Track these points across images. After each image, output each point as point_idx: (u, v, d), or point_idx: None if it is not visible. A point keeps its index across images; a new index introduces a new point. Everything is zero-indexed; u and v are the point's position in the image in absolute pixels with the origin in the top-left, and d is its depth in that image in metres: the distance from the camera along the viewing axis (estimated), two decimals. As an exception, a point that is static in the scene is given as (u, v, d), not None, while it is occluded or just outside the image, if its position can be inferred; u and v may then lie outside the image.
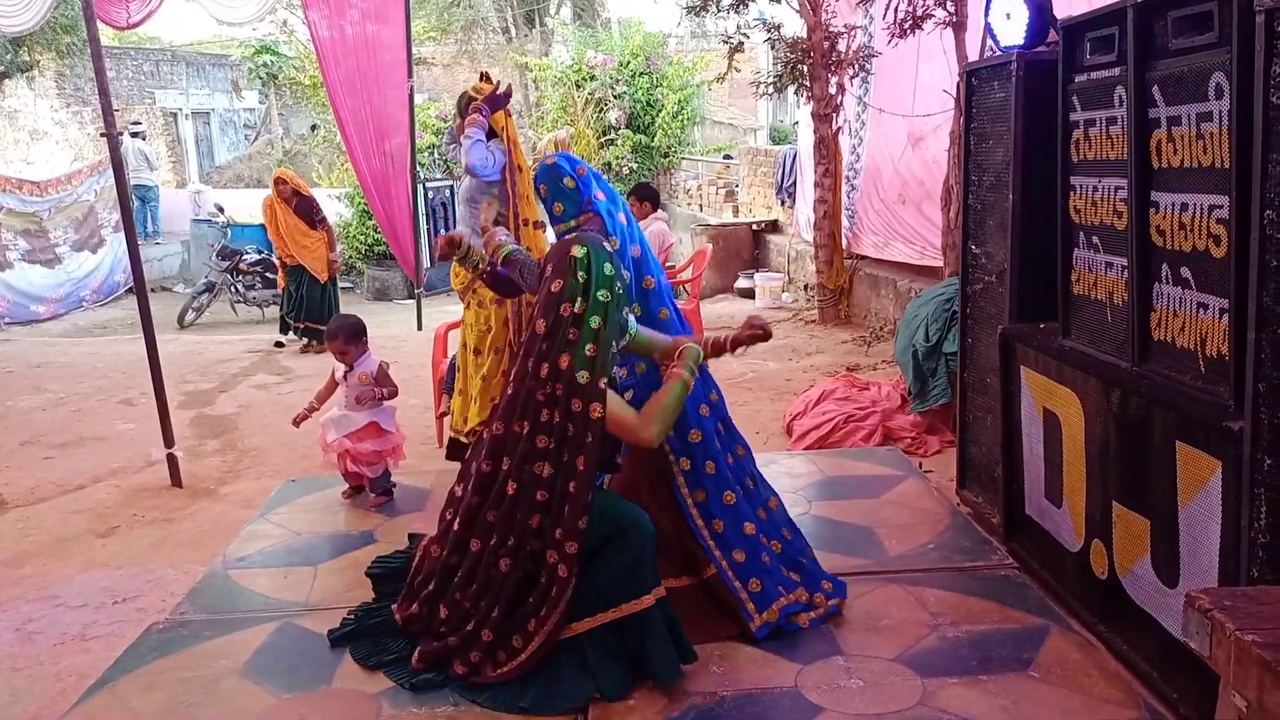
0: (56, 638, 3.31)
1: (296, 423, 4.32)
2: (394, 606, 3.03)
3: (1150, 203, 2.63)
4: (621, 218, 3.15)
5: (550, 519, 2.65)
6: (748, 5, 7.53)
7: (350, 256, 13.15)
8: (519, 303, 4.11)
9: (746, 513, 3.03)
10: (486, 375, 4.12)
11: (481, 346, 4.16)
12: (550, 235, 3.59)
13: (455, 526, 2.84)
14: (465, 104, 4.30)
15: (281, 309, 8.49)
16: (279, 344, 8.55)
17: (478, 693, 2.68)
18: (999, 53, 3.64)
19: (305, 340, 8.28)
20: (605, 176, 13.88)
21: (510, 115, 4.26)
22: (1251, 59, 2.09)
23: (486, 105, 4.09)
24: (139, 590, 3.65)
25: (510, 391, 2.75)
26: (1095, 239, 2.96)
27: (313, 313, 8.21)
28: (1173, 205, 2.54)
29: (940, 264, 6.39)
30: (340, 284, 13.09)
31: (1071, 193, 3.09)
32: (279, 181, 8.13)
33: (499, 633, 2.70)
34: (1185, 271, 2.51)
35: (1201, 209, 2.42)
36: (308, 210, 8.05)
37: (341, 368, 4.28)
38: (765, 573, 2.96)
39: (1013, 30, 3.49)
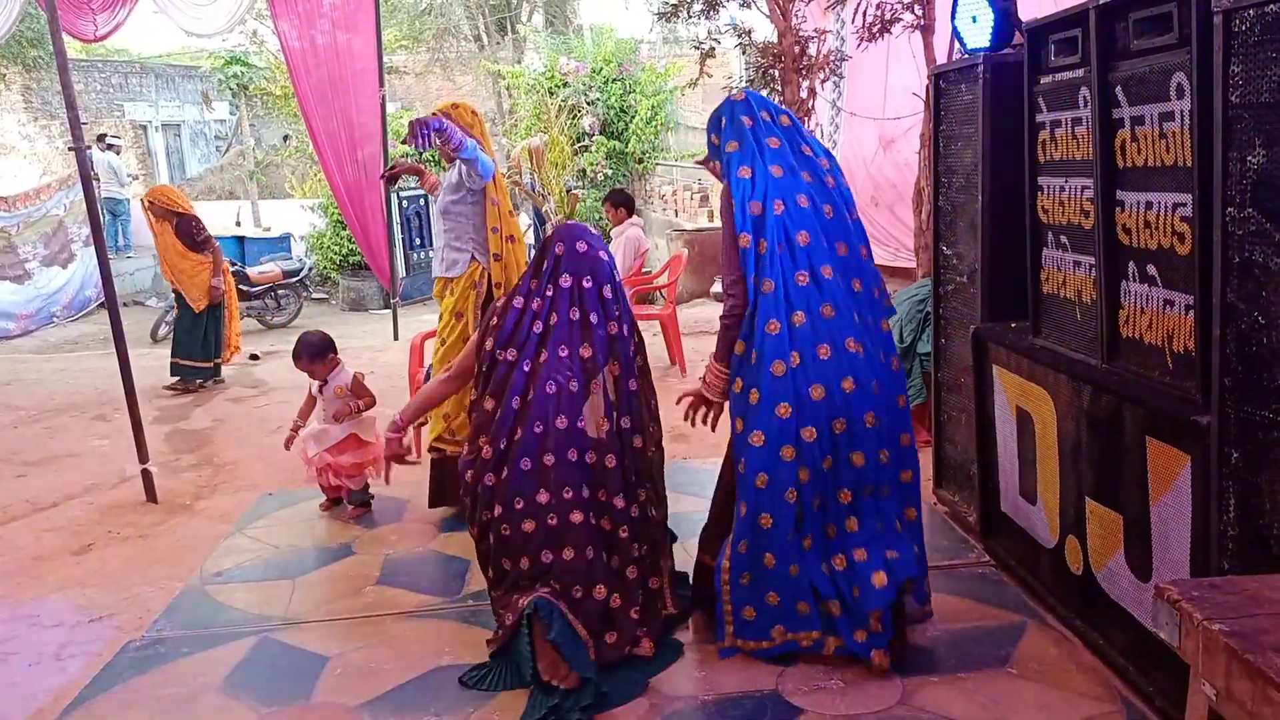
0: (31, 658, 3.27)
1: (287, 445, 4.32)
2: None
3: (1116, 202, 2.67)
4: (743, 172, 2.82)
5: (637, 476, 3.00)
6: (718, 11, 7.55)
7: (325, 267, 13.07)
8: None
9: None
10: None
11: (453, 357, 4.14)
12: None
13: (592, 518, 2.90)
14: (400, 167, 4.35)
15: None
16: (254, 356, 8.48)
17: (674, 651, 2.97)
18: (966, 55, 3.68)
19: (175, 379, 7.18)
20: (579, 184, 13.64)
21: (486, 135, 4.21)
22: (1211, 59, 2.13)
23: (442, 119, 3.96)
24: (115, 608, 3.61)
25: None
26: (1063, 238, 3.00)
27: (181, 346, 7.21)
28: (1138, 204, 2.57)
29: (913, 265, 6.43)
30: (315, 295, 13.11)
31: (1039, 193, 3.13)
32: (148, 202, 7.25)
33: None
34: (1151, 269, 2.54)
35: (1166, 207, 2.45)
36: (188, 231, 7.17)
37: (316, 383, 4.27)
38: (764, 609, 2.84)
39: (979, 33, 3.53)
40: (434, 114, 4.15)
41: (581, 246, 2.96)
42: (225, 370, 7.62)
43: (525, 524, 2.84)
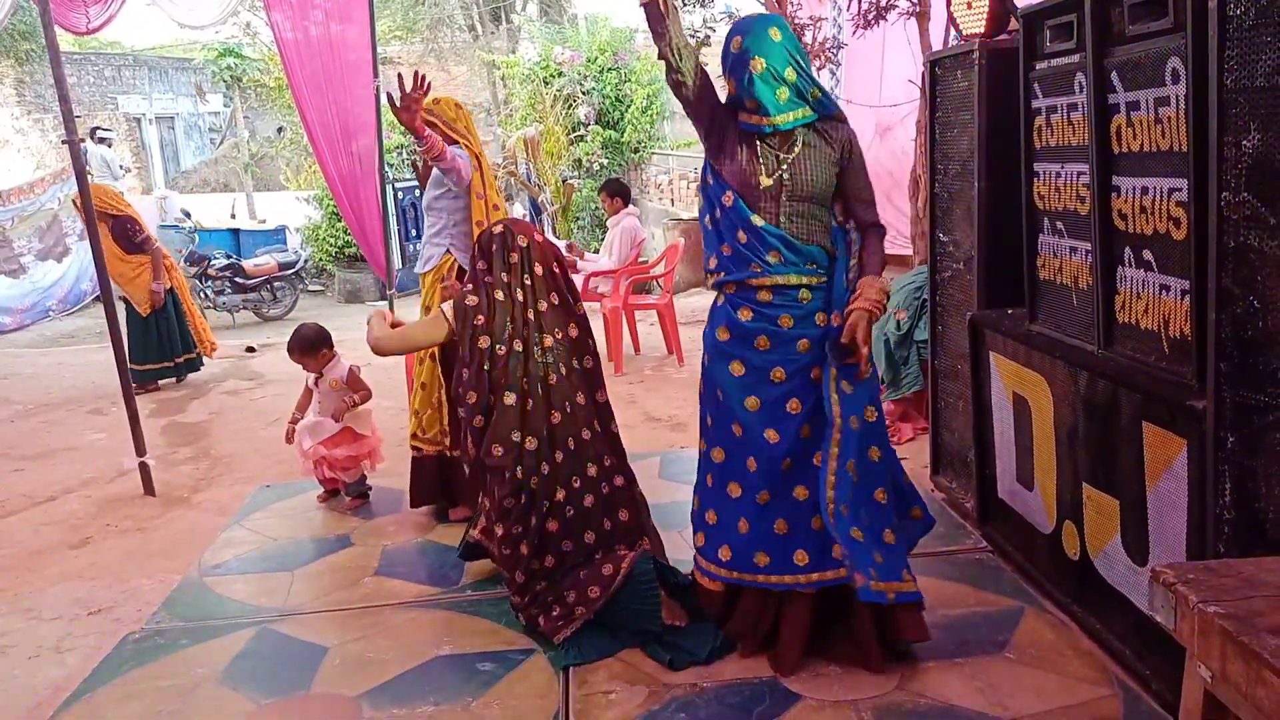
0: (31, 651, 3.27)
1: (288, 439, 4.32)
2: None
3: (1112, 187, 2.67)
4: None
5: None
6: (713, -1, 7.54)
7: (321, 259, 13.05)
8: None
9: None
10: (425, 383, 3.97)
11: (421, 353, 3.99)
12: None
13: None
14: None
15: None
16: (250, 349, 8.48)
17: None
18: (962, 42, 3.67)
19: (137, 384, 6.50)
20: (575, 174, 13.57)
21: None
22: (1205, 43, 2.13)
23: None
24: (114, 601, 3.61)
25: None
26: (1059, 224, 3.00)
27: (139, 351, 6.92)
28: (1133, 189, 2.57)
29: (910, 253, 6.43)
30: (311, 287, 13.09)
31: (1035, 179, 3.12)
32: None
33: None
34: (1147, 254, 2.54)
35: (1161, 192, 2.45)
36: (125, 232, 6.89)
37: (312, 375, 4.27)
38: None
39: (974, 19, 3.52)
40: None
41: (539, 237, 3.12)
42: (219, 364, 7.60)
43: (586, 499, 3.03)
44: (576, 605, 2.92)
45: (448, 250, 3.98)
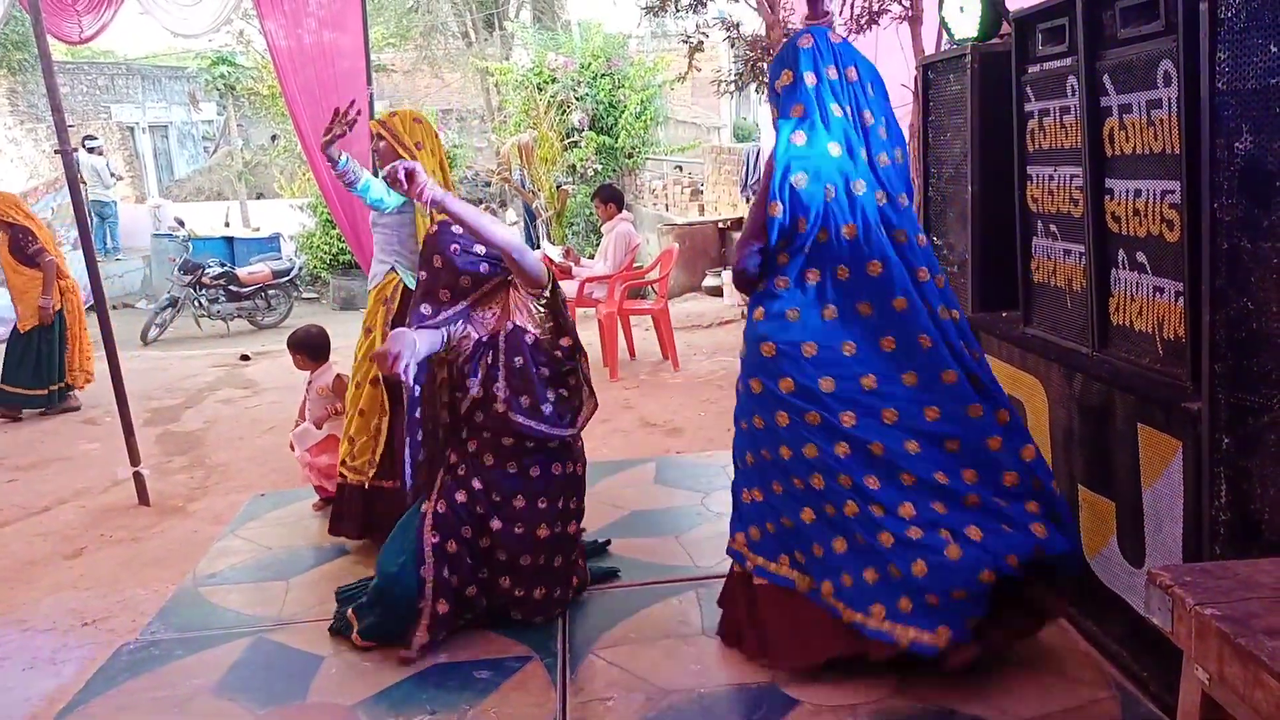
0: (25, 662, 3.26)
1: (291, 446, 4.31)
2: None
3: (1105, 190, 2.67)
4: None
5: None
6: (706, 5, 7.54)
7: (315, 267, 13.04)
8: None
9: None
10: (364, 409, 3.80)
11: (359, 376, 3.85)
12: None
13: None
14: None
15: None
16: (244, 357, 8.46)
17: None
18: (954, 46, 3.68)
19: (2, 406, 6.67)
20: (569, 180, 13.52)
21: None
22: (1197, 46, 2.13)
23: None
24: (108, 611, 3.60)
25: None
26: (1053, 227, 3.00)
27: (11, 371, 6.66)
28: (1127, 192, 2.58)
29: (904, 256, 6.43)
30: (306, 294, 13.07)
31: (1028, 182, 3.13)
32: None
33: None
34: (1141, 256, 2.55)
35: (1154, 195, 2.46)
36: (19, 243, 6.51)
37: (306, 376, 4.28)
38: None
39: (966, 23, 3.53)
40: (378, 122, 4.03)
41: None
42: (214, 372, 7.58)
43: None
44: (578, 559, 3.26)
45: (391, 268, 3.84)
